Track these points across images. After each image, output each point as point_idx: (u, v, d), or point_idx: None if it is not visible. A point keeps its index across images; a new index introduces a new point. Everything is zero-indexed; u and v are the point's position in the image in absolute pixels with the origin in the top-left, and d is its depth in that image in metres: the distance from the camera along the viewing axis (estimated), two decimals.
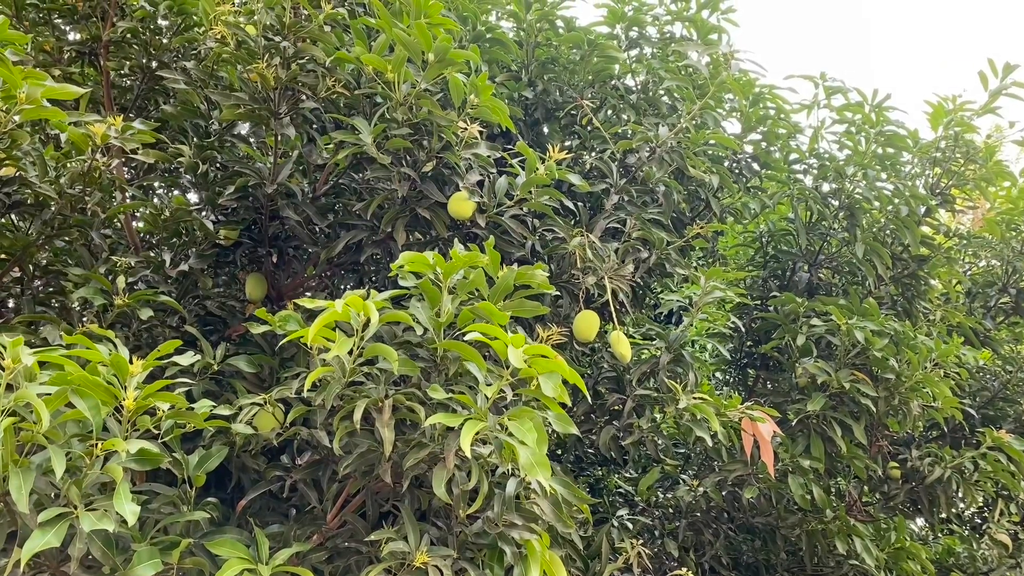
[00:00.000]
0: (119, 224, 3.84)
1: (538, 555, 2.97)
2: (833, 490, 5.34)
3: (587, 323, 3.50)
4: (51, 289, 3.59)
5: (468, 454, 2.36)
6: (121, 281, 3.41)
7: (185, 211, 3.69)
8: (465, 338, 2.59)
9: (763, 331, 5.30)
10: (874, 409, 4.37)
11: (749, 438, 3.89)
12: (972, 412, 5.48)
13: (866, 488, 5.83)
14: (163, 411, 2.57)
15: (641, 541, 4.33)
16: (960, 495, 5.19)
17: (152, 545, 2.48)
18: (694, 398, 3.64)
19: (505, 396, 2.65)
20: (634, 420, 3.80)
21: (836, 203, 5.25)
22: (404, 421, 2.78)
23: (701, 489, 4.85)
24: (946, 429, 5.57)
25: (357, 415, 2.49)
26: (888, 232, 5.28)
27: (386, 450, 2.48)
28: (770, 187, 5.61)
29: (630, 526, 4.40)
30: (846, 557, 4.99)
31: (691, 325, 3.91)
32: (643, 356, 3.94)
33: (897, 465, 5.58)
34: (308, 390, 2.72)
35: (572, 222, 3.93)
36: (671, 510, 5.09)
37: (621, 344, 3.51)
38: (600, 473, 5.99)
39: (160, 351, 2.63)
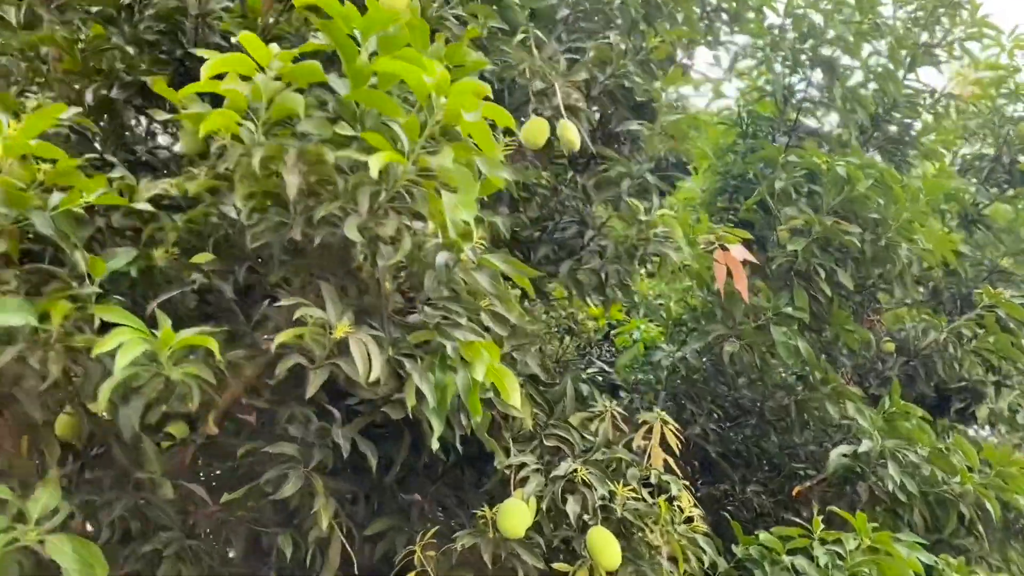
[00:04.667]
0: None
1: (483, 357, 2.69)
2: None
3: (536, 129, 3.21)
4: None
5: (375, 173, 2.07)
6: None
7: (104, 39, 3.41)
8: (377, 73, 2.31)
9: (744, 195, 5.02)
10: (858, 244, 4.07)
11: (721, 268, 3.61)
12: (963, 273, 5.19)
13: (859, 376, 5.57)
14: (44, 169, 2.29)
15: (615, 401, 4.05)
16: (959, 360, 4.90)
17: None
18: (659, 214, 3.36)
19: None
20: (595, 249, 3.51)
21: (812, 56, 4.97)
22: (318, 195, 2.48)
23: (680, 353, 4.57)
24: (941, 274, 5.25)
25: (255, 160, 2.21)
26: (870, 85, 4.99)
27: (290, 193, 2.20)
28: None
29: (600, 379, 4.12)
30: (837, 429, 4.71)
31: (655, 149, 3.62)
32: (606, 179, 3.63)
33: (891, 339, 5.31)
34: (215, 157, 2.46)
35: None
36: (652, 383, 4.81)
37: (568, 131, 3.22)
38: None
39: (46, 112, 2.36)
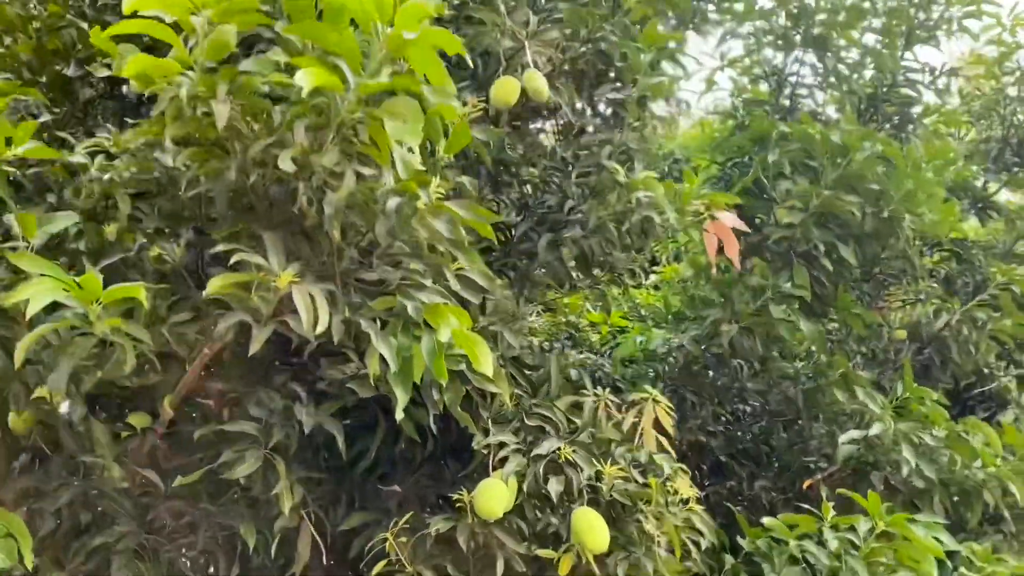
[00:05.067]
0: None
1: (449, 320, 2.49)
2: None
3: (506, 87, 3.05)
4: None
5: (307, 92, 1.91)
6: None
7: (60, 16, 3.30)
8: (321, 7, 2.15)
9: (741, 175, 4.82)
10: (857, 215, 3.86)
11: (712, 238, 3.42)
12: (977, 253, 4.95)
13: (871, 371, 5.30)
14: None
15: (609, 389, 3.83)
16: (975, 343, 4.64)
17: None
18: (641, 176, 3.17)
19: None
20: (575, 219, 3.32)
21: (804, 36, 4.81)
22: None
23: (677, 341, 4.35)
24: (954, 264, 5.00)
25: (182, 93, 2.05)
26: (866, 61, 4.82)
27: (219, 124, 2.03)
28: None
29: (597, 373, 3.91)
30: (848, 418, 4.43)
31: (640, 117, 3.44)
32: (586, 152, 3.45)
33: (902, 327, 5.06)
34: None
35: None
36: (651, 377, 4.56)
37: (535, 79, 3.05)
38: None
39: None
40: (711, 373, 4.62)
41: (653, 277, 6.86)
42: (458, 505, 2.90)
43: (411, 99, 2.17)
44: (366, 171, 2.34)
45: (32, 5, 3.40)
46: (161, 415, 2.87)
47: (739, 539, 3.56)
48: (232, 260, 2.15)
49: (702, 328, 4.32)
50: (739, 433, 4.96)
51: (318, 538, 2.99)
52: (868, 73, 5.05)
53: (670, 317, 4.92)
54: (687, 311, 4.70)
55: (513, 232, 3.69)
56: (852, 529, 3.39)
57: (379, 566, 2.80)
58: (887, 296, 5.10)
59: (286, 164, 2.03)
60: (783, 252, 4.19)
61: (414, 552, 2.91)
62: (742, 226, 3.41)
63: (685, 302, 4.70)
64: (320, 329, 2.17)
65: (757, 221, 4.51)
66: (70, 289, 2.05)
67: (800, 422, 4.71)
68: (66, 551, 2.80)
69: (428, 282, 2.57)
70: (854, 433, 3.92)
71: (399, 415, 2.51)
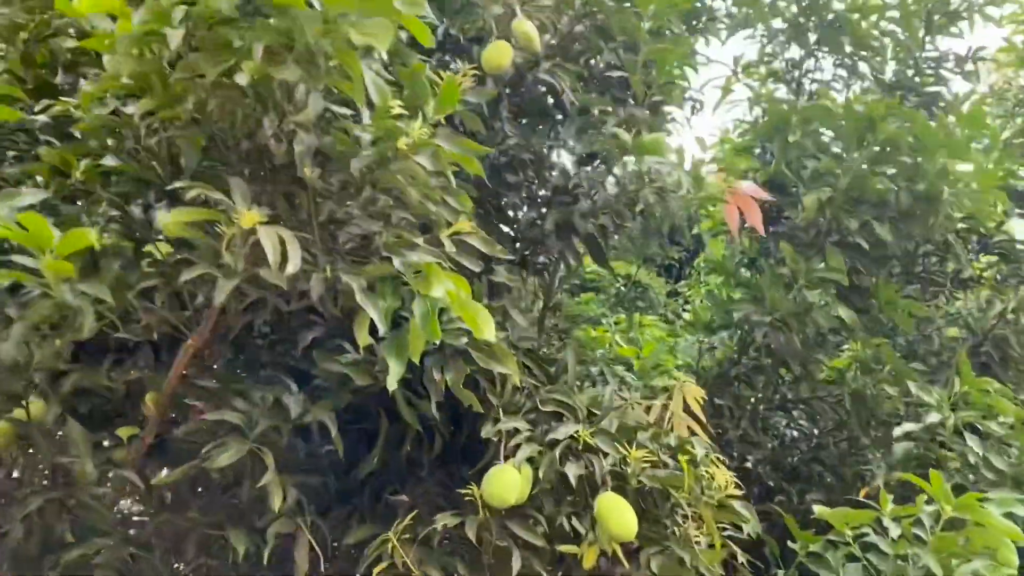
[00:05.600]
0: None
1: (442, 277, 2.27)
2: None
3: (498, 49, 2.89)
4: None
5: None
6: None
7: (47, 25, 3.24)
8: None
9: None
10: (892, 187, 3.59)
11: (733, 210, 3.18)
12: None
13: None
14: None
15: (639, 394, 3.55)
16: None
17: None
18: (648, 138, 2.95)
19: None
20: (582, 193, 3.11)
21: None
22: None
23: (708, 343, 4.05)
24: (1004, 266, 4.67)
25: (135, 19, 1.91)
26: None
27: (172, 44, 1.87)
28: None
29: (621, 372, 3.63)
30: (904, 418, 4.06)
31: (645, 91, 3.25)
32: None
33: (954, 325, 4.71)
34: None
35: None
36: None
37: (523, 24, 2.86)
38: None
39: None
40: (750, 391, 4.29)
41: (686, 315, 6.61)
42: (467, 499, 2.61)
43: (382, 19, 2.00)
44: (340, 111, 2.17)
45: (22, 15, 3.36)
46: (144, 412, 2.66)
47: (790, 544, 3.20)
48: (190, 195, 1.96)
49: (733, 330, 4.04)
50: (784, 455, 4.60)
51: (318, 550, 2.71)
52: (890, 65, 4.86)
53: (701, 327, 4.62)
54: (716, 318, 4.41)
55: (520, 229, 3.49)
56: (919, 522, 3.02)
57: (380, 568, 2.50)
58: (935, 291, 4.76)
59: (243, 79, 1.86)
60: (813, 241, 3.93)
61: (420, 557, 2.60)
62: (764, 195, 3.17)
63: (715, 309, 4.41)
64: (291, 270, 1.95)
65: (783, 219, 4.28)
66: (11, 232, 1.87)
67: (850, 434, 4.35)
68: (39, 565, 2.55)
69: (420, 240, 2.36)
70: (909, 425, 3.56)
71: (392, 385, 2.28)
